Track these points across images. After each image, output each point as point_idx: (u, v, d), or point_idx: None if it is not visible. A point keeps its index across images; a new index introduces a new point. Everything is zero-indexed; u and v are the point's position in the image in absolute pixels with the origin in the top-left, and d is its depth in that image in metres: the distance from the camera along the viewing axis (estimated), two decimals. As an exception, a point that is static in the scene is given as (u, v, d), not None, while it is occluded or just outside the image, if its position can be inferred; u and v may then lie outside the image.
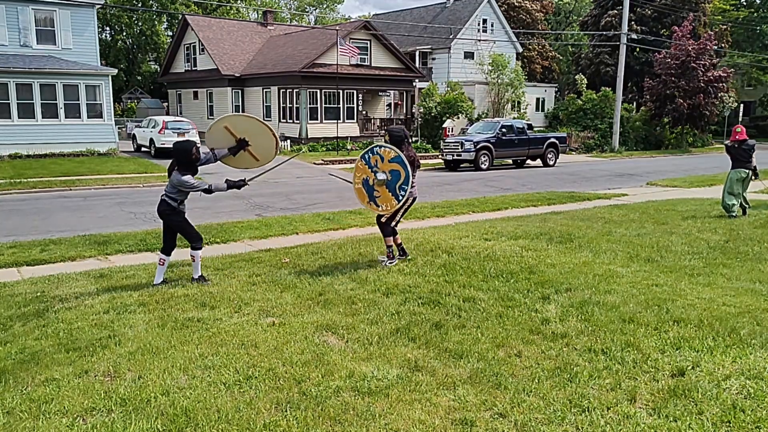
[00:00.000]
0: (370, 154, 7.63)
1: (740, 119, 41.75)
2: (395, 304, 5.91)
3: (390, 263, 7.58)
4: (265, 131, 7.30)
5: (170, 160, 6.91)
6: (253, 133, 7.21)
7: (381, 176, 7.45)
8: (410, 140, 7.84)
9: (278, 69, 30.06)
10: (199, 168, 6.91)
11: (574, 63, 47.97)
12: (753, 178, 11.43)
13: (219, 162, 7.19)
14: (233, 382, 4.25)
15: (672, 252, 8.14)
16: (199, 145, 6.94)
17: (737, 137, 11.40)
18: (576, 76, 39.68)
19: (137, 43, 46.57)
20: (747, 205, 11.67)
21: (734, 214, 11.28)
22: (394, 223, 7.76)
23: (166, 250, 7.04)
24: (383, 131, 29.00)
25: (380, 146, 7.60)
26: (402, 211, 7.73)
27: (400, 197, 7.41)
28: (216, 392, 4.10)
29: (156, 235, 9.91)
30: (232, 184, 6.90)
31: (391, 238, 7.74)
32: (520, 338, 5.00)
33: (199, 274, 7.07)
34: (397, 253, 7.84)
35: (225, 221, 11.52)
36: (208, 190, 6.84)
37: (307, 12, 66.51)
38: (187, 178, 6.68)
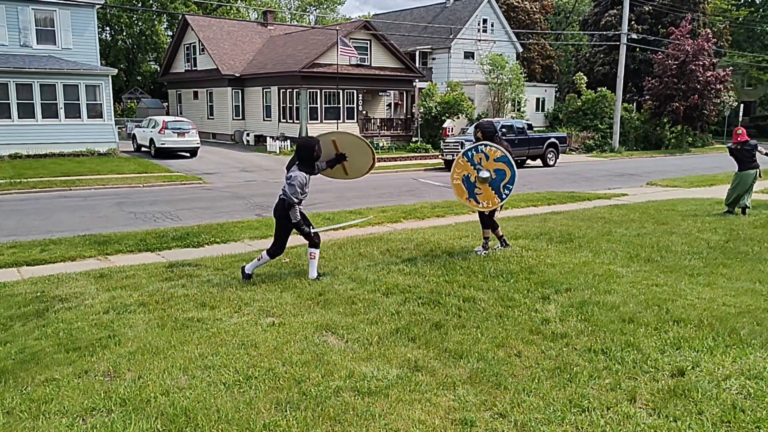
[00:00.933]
0: (474, 152, 7.73)
1: (740, 119, 41.75)
2: (395, 304, 5.91)
3: (483, 253, 7.91)
4: (366, 152, 7.46)
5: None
6: (354, 151, 7.37)
7: (484, 174, 7.59)
8: (499, 134, 8.05)
9: (278, 69, 30.06)
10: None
11: (574, 63, 47.97)
12: (759, 176, 11.60)
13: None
14: (233, 382, 4.25)
15: (672, 252, 8.14)
16: (320, 144, 7.00)
17: (738, 139, 11.55)
18: (575, 76, 39.67)
19: (137, 43, 46.56)
20: (748, 207, 11.75)
21: (734, 213, 11.50)
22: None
23: (273, 251, 6.99)
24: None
25: (486, 144, 7.72)
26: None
27: (504, 196, 7.65)
28: (216, 392, 4.10)
29: (156, 235, 9.92)
30: (301, 227, 6.89)
31: (490, 230, 8.08)
32: (520, 338, 5.00)
33: (315, 274, 6.99)
34: (498, 244, 8.26)
35: (225, 221, 11.52)
36: (291, 205, 6.78)
37: (308, 12, 66.51)
38: (303, 176, 6.72)
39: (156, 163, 22.80)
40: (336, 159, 7.35)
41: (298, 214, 6.87)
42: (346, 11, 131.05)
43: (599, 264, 7.43)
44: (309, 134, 29.25)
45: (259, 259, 7.05)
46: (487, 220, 8.09)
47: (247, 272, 6.99)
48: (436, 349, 4.79)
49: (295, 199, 6.76)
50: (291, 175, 6.77)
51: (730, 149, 11.75)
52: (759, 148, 11.58)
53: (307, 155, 6.80)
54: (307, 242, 7.10)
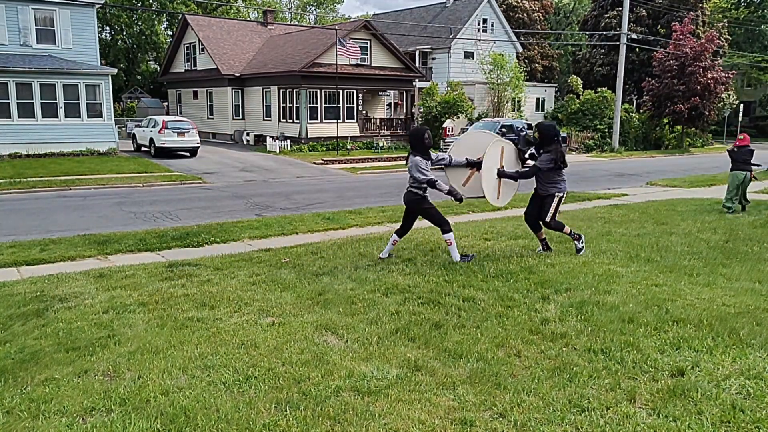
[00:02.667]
0: None
1: (740, 119, 41.76)
2: (395, 304, 5.91)
3: (580, 242, 7.99)
4: (512, 186, 7.87)
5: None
6: (492, 167, 7.59)
7: None
8: (560, 137, 7.94)
9: (278, 69, 30.05)
10: (411, 163, 7.27)
11: (574, 63, 47.98)
12: (750, 179, 12.18)
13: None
14: (233, 381, 4.25)
15: (672, 252, 8.14)
16: (430, 132, 7.48)
17: (738, 143, 12.25)
18: (570, 78, 39.69)
19: (137, 42, 46.53)
20: (746, 202, 12.33)
21: (732, 210, 11.97)
22: (549, 219, 7.90)
23: (402, 232, 7.77)
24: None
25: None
26: (555, 206, 7.90)
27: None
28: (215, 392, 4.09)
29: (155, 235, 9.92)
30: (453, 192, 7.35)
31: (563, 228, 8.01)
32: (520, 338, 5.00)
33: (458, 257, 7.54)
34: (548, 245, 8.21)
35: (225, 221, 11.52)
36: (432, 182, 7.21)
37: (307, 12, 66.49)
38: (419, 159, 7.18)
39: (156, 162, 22.79)
40: (474, 164, 7.62)
41: (445, 185, 7.28)
42: (346, 11, 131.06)
43: (599, 264, 7.44)
44: (309, 134, 29.29)
45: (449, 244, 7.57)
46: (553, 225, 8.07)
47: (455, 259, 7.53)
48: (436, 349, 4.79)
49: (431, 176, 7.18)
50: (410, 165, 7.23)
51: (729, 151, 12.47)
52: (752, 159, 12.14)
53: (417, 142, 7.23)
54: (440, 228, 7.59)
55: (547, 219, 7.87)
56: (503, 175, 7.73)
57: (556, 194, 7.85)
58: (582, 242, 8.04)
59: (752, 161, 12.10)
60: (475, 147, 7.75)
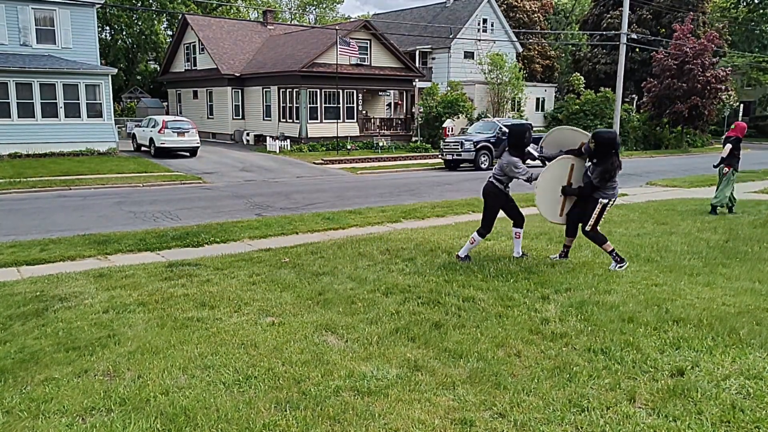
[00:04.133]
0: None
1: (740, 119, 41.72)
2: (395, 304, 5.90)
3: (620, 267, 7.09)
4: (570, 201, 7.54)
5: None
6: (556, 186, 7.41)
7: None
8: (619, 148, 7.11)
9: (278, 68, 30.05)
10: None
11: (574, 62, 47.98)
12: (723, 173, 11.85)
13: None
14: (233, 381, 4.25)
15: (671, 252, 8.14)
16: (531, 132, 7.47)
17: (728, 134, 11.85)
18: (572, 76, 39.67)
19: (137, 42, 46.53)
20: (716, 206, 11.89)
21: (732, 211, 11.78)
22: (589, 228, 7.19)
23: (485, 231, 7.54)
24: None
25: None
26: (598, 214, 7.08)
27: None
28: (215, 392, 4.09)
29: (155, 235, 9.92)
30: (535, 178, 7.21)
31: (604, 243, 7.22)
32: (520, 338, 5.00)
33: (520, 252, 7.68)
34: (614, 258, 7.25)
35: (225, 221, 11.52)
36: (530, 179, 7.13)
37: (307, 11, 66.48)
38: (517, 160, 7.14)
39: (156, 162, 22.79)
40: (567, 152, 7.47)
41: (533, 173, 7.20)
42: (346, 11, 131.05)
43: (599, 264, 7.43)
44: (309, 134, 29.29)
45: (517, 237, 7.63)
46: (594, 237, 7.34)
47: (516, 256, 7.61)
48: (436, 349, 4.79)
49: (528, 173, 7.14)
50: (509, 161, 7.15)
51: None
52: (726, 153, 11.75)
53: (517, 141, 7.23)
54: (513, 221, 7.65)
55: (587, 228, 7.13)
56: (568, 192, 7.27)
57: (601, 200, 6.98)
58: (622, 267, 7.11)
59: (725, 155, 11.65)
60: (564, 142, 7.58)
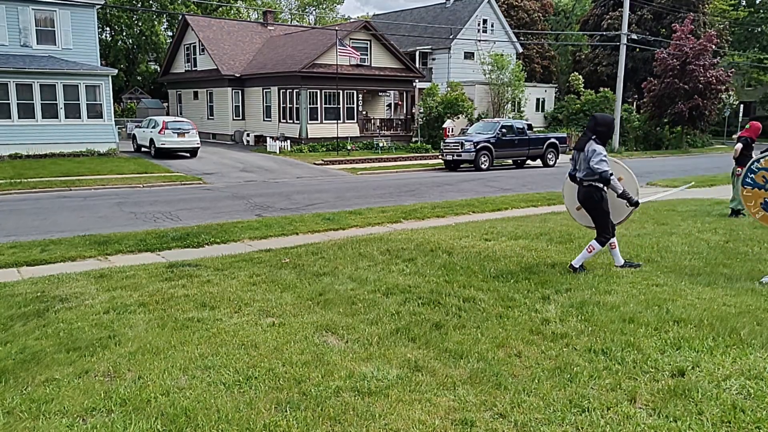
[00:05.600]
0: (752, 175, 7.03)
1: (740, 119, 41.75)
2: (395, 305, 5.90)
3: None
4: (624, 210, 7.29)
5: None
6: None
7: None
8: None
9: (278, 69, 30.06)
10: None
11: (574, 63, 48.00)
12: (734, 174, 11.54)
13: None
14: (233, 382, 4.25)
15: (672, 252, 8.14)
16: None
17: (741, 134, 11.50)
18: (571, 76, 39.67)
19: (137, 43, 46.55)
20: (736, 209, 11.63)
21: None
22: None
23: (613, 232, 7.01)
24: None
25: (759, 159, 7.06)
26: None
27: None
28: (216, 392, 4.09)
29: (156, 236, 9.92)
30: (627, 195, 6.74)
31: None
32: (520, 338, 4.99)
33: (621, 262, 7.13)
34: None
35: (225, 221, 11.52)
36: (607, 177, 6.55)
37: (307, 12, 66.49)
38: (602, 149, 6.60)
39: (156, 163, 22.79)
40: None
41: (620, 185, 6.65)
42: (346, 11, 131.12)
43: (599, 264, 7.43)
44: (309, 134, 29.30)
45: (589, 251, 6.96)
46: None
47: (575, 265, 6.98)
48: (436, 350, 4.79)
49: (610, 170, 6.58)
50: (595, 149, 6.54)
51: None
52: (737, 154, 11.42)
53: (607, 130, 6.75)
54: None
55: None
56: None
57: None
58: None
59: (736, 156, 11.35)
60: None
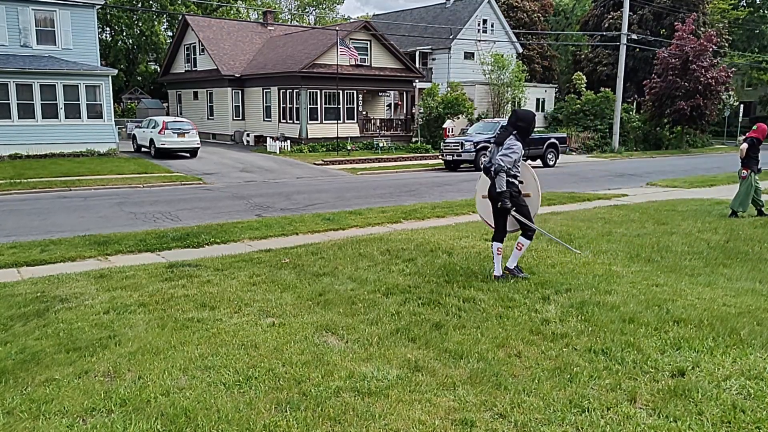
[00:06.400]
0: None
1: (740, 119, 41.74)
2: (395, 305, 5.90)
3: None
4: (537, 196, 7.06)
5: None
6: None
7: None
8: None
9: (278, 69, 30.06)
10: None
11: (574, 63, 47.99)
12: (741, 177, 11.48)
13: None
14: (233, 382, 4.25)
15: (672, 252, 8.13)
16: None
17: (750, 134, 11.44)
18: (574, 75, 39.65)
19: (137, 43, 46.56)
20: (760, 205, 11.51)
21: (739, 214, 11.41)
22: None
23: (500, 236, 6.75)
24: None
25: None
26: None
27: None
28: (216, 393, 4.09)
29: (156, 236, 9.91)
30: (504, 198, 6.38)
31: None
32: (520, 338, 4.99)
33: (500, 273, 6.72)
34: None
35: (225, 221, 11.52)
36: (500, 169, 6.26)
37: (307, 12, 66.49)
38: (519, 147, 6.33)
39: (156, 163, 22.79)
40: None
41: (505, 183, 6.34)
42: (346, 11, 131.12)
43: (599, 264, 7.43)
44: (309, 135, 29.30)
45: (519, 248, 6.71)
46: None
47: (510, 267, 6.73)
48: (437, 350, 4.79)
49: (508, 167, 6.30)
50: (509, 143, 6.33)
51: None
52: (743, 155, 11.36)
53: (527, 126, 6.51)
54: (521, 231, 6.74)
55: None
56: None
57: None
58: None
59: (743, 156, 11.27)
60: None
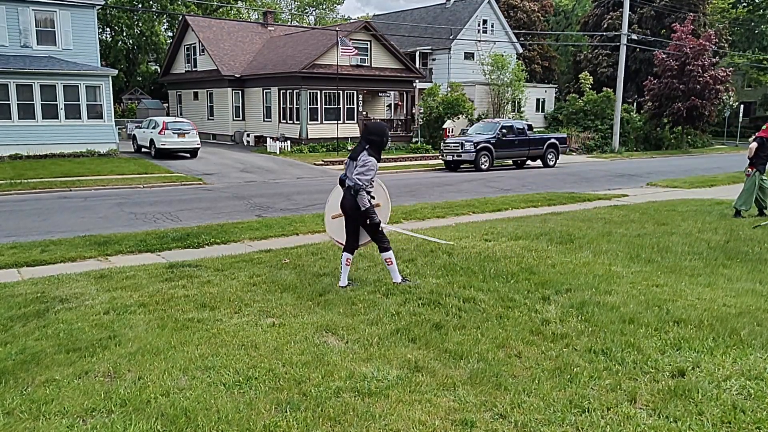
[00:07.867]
0: None
1: (740, 120, 41.73)
2: (395, 305, 5.90)
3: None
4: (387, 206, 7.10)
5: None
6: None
7: None
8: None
9: (278, 69, 30.07)
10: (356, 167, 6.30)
11: (574, 63, 48.00)
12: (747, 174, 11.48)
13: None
14: (233, 382, 4.25)
15: (672, 252, 8.13)
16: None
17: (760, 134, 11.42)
18: (581, 75, 39.63)
19: (137, 43, 46.56)
20: (741, 209, 11.54)
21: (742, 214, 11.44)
22: None
23: (351, 247, 6.71)
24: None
25: None
26: None
27: None
28: (216, 393, 4.09)
29: (156, 236, 9.92)
30: (371, 214, 6.31)
31: None
32: (521, 339, 4.99)
33: (345, 283, 6.65)
34: None
35: (225, 222, 11.52)
36: (359, 188, 6.20)
37: (307, 12, 66.50)
38: (371, 159, 6.22)
39: (156, 163, 22.79)
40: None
41: (367, 201, 6.27)
42: (346, 12, 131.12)
43: (599, 264, 7.43)
44: (309, 135, 29.29)
45: (389, 264, 6.64)
46: None
47: (396, 281, 6.62)
48: (437, 350, 4.79)
49: (366, 185, 6.24)
50: (364, 160, 6.20)
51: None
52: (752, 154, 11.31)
53: (380, 139, 6.36)
54: (378, 246, 6.60)
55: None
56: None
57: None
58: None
59: (751, 155, 11.24)
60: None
